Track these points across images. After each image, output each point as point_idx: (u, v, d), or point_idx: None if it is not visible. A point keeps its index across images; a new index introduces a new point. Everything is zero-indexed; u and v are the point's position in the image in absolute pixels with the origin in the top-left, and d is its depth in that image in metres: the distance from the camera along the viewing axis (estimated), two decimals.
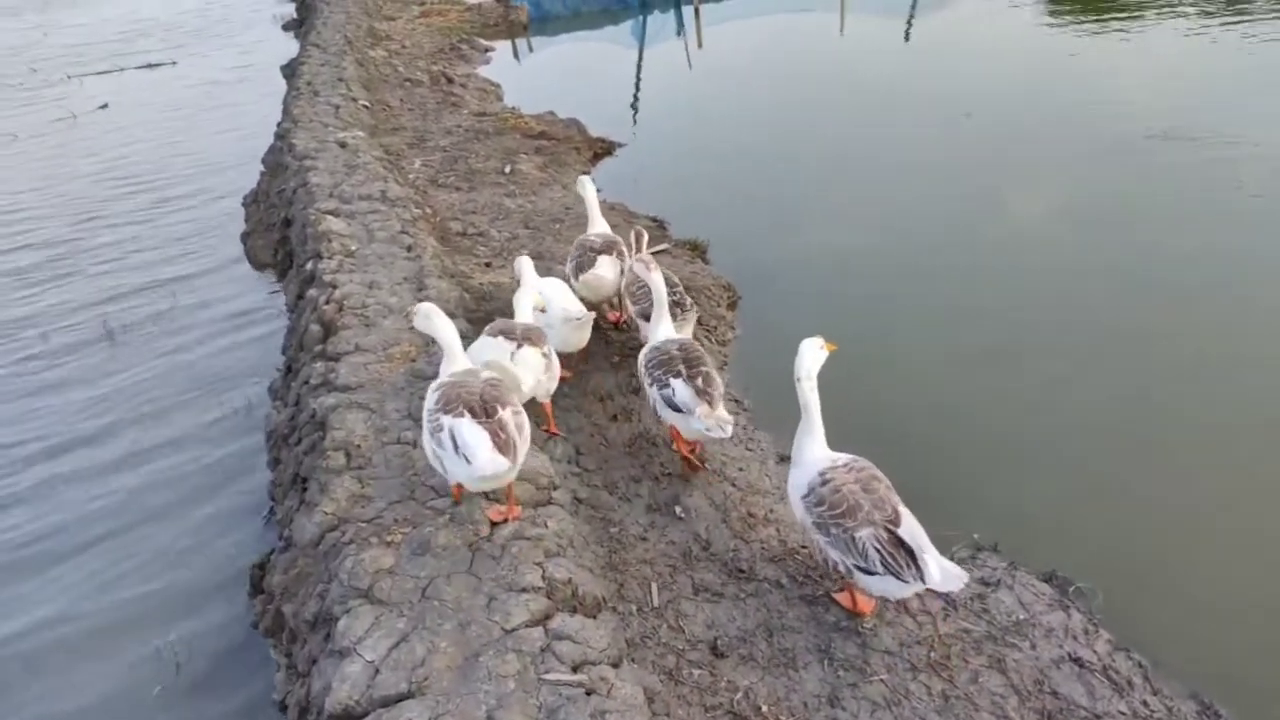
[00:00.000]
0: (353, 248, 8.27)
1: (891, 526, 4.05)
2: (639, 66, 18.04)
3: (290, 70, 17.98)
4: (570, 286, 6.46)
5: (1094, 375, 6.43)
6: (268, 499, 6.82)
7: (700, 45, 20.43)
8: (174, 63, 24.30)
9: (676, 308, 6.44)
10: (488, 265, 8.91)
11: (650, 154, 12.44)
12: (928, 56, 16.29)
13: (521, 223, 9.56)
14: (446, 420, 4.51)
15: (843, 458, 4.32)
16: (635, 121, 14.04)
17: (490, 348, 5.35)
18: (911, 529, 4.07)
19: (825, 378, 4.54)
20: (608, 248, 6.80)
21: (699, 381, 5.36)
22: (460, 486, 4.74)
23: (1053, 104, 11.90)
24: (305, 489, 5.64)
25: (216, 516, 6.74)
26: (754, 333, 7.75)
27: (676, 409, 5.33)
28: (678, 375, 5.38)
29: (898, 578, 3.97)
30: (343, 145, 11.42)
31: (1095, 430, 5.90)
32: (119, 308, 10.19)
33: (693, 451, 5.77)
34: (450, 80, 17.01)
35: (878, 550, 4.00)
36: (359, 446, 5.64)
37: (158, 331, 9.57)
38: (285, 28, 29.86)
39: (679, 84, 17.10)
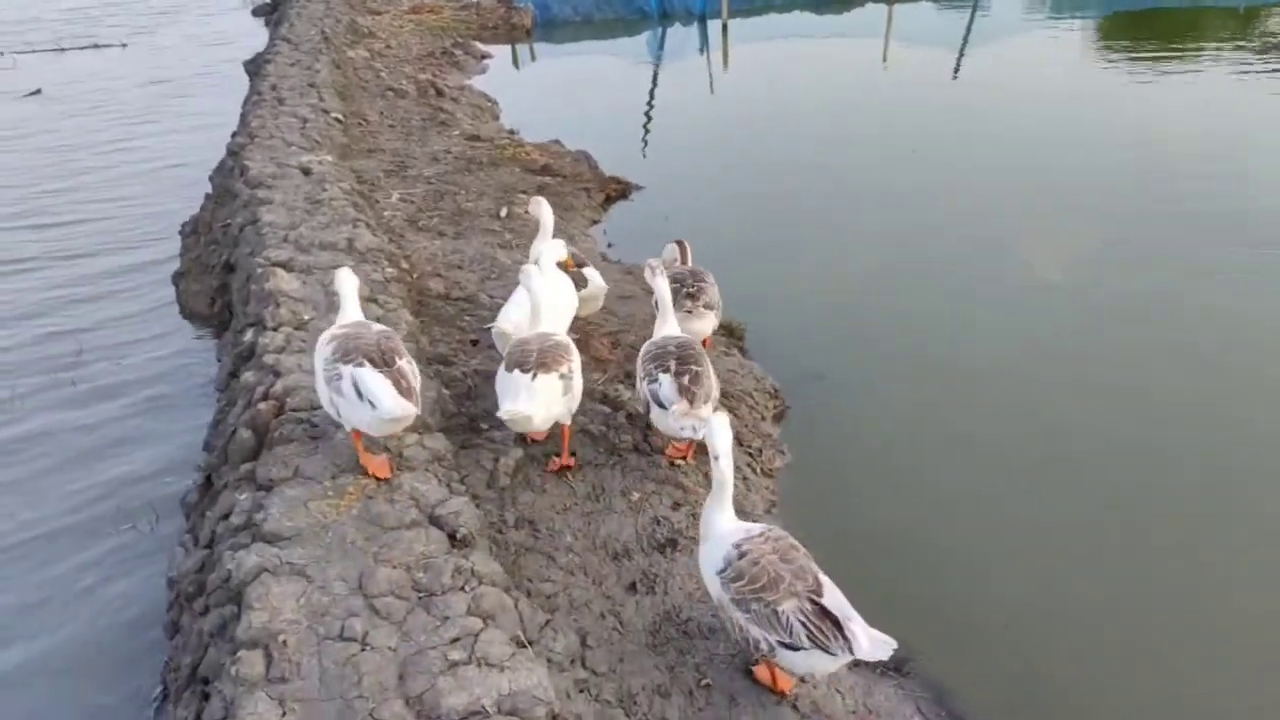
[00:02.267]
0: (306, 317, 7.23)
1: (815, 597, 4.11)
2: (653, 89, 18.03)
3: (254, 67, 17.12)
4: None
5: None
6: (160, 680, 5.50)
7: (726, 66, 19.88)
8: (123, 45, 23.17)
9: (689, 300, 6.92)
10: (474, 344, 7.71)
11: (673, 199, 12.03)
12: (976, 93, 16.12)
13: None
14: (346, 369, 5.06)
15: (756, 528, 4.42)
16: (646, 155, 13.98)
17: (507, 384, 5.62)
18: (835, 597, 4.14)
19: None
20: (583, 263, 7.30)
21: (685, 379, 5.62)
22: (358, 433, 5.24)
23: (1104, 156, 12.06)
24: (206, 699, 4.34)
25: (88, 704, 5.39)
26: (809, 459, 6.97)
27: (661, 405, 5.62)
28: (667, 370, 5.67)
29: (825, 650, 4.03)
30: (306, 172, 10.50)
31: None
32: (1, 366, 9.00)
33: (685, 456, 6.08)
34: (440, 93, 16.27)
35: (803, 624, 4.05)
36: (285, 644, 4.37)
37: (50, 402, 8.29)
38: (256, 13, 28.89)
39: (702, 110, 16.68)
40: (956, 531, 6.09)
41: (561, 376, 5.69)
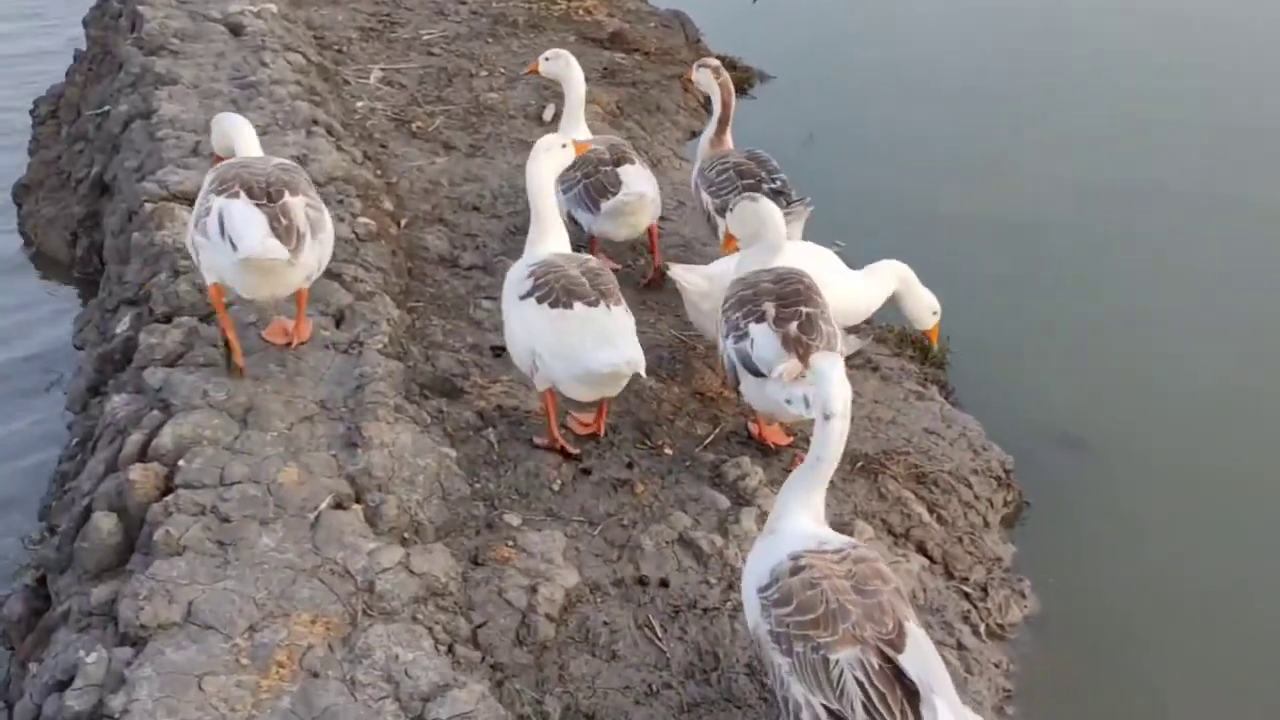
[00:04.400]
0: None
1: (890, 650, 4.19)
2: None
3: None
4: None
5: None
6: None
7: None
8: None
9: (779, 196, 7.19)
10: (497, 353, 7.08)
11: (822, 102, 12.26)
12: None
13: None
14: (217, 201, 5.60)
15: (838, 540, 4.59)
16: (777, 24, 14.01)
17: (567, 329, 5.79)
18: (921, 658, 4.23)
19: None
20: (622, 158, 7.67)
21: (794, 326, 5.75)
22: (219, 289, 5.81)
23: None
24: None
25: None
26: (1070, 608, 6.58)
27: (756, 371, 5.77)
28: (761, 318, 5.84)
29: None
30: (236, 30, 10.05)
31: None
32: None
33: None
34: None
35: (861, 685, 4.12)
36: None
37: None
38: None
39: None
40: None
41: (626, 312, 5.97)
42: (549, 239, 6.21)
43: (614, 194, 7.46)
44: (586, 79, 10.49)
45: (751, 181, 7.48)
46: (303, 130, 8.38)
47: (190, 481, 5.33)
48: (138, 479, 5.35)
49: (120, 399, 6.06)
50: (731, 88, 8.19)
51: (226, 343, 6.00)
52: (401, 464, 5.63)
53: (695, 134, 11.22)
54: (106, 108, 9.46)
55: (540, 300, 5.83)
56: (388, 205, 8.33)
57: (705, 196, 7.76)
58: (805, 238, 9.12)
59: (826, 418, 4.66)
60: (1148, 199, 10.82)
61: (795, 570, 4.43)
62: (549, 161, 6.27)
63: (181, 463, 5.42)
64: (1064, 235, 10.14)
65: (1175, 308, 9.20)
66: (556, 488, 6.03)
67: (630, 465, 6.27)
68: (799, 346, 5.71)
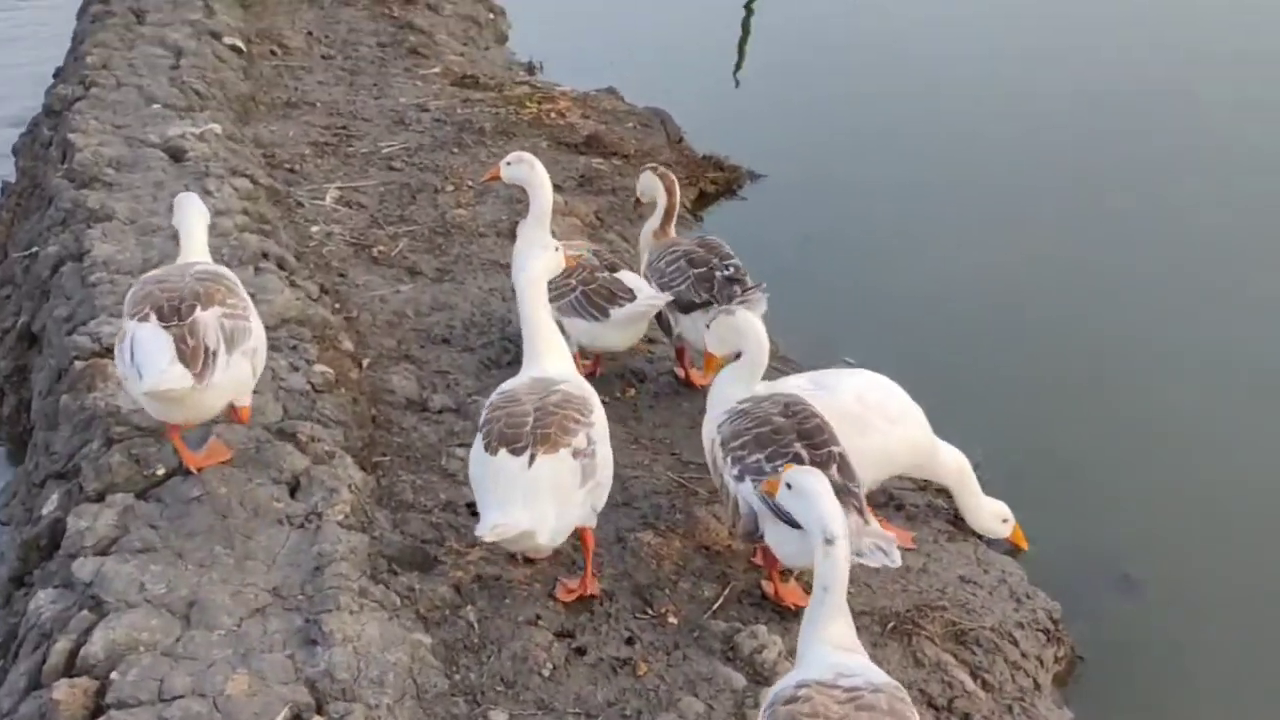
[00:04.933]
0: (161, 472, 6.36)
1: None
2: None
3: None
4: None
5: None
6: None
7: None
8: None
9: (734, 284, 7.48)
10: (474, 512, 6.54)
11: (818, 201, 12.35)
12: None
13: None
14: (129, 327, 5.90)
15: (862, 676, 4.49)
16: (764, 117, 14.47)
17: (484, 476, 5.69)
18: None
19: None
20: (614, 264, 7.88)
21: (834, 471, 5.65)
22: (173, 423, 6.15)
23: None
24: None
25: None
26: None
27: (792, 521, 5.32)
28: (793, 457, 5.71)
29: None
30: (177, 156, 9.95)
31: None
32: None
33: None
34: None
35: None
36: None
37: None
38: None
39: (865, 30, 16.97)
40: None
41: (576, 454, 5.66)
42: (545, 358, 6.12)
43: (625, 300, 7.54)
44: (561, 188, 10.76)
45: (704, 270, 7.59)
46: (250, 267, 8.25)
47: (124, 699, 5.02)
48: (63, 699, 5.03)
49: (46, 595, 5.77)
50: (675, 181, 8.36)
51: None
52: (368, 661, 5.34)
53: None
54: (35, 249, 9.26)
55: (482, 439, 5.75)
56: (347, 345, 8.17)
57: (651, 285, 7.83)
58: (813, 354, 9.00)
59: (829, 543, 4.62)
60: (1192, 291, 10.76)
61: (789, 700, 4.36)
62: (541, 267, 6.26)
63: (115, 675, 5.11)
64: (1100, 339, 10.02)
65: (1244, 417, 9.00)
66: (547, 673, 5.74)
67: (630, 640, 5.99)
68: (850, 498, 5.55)
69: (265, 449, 6.54)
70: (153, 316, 5.83)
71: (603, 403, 6.18)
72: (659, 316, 7.91)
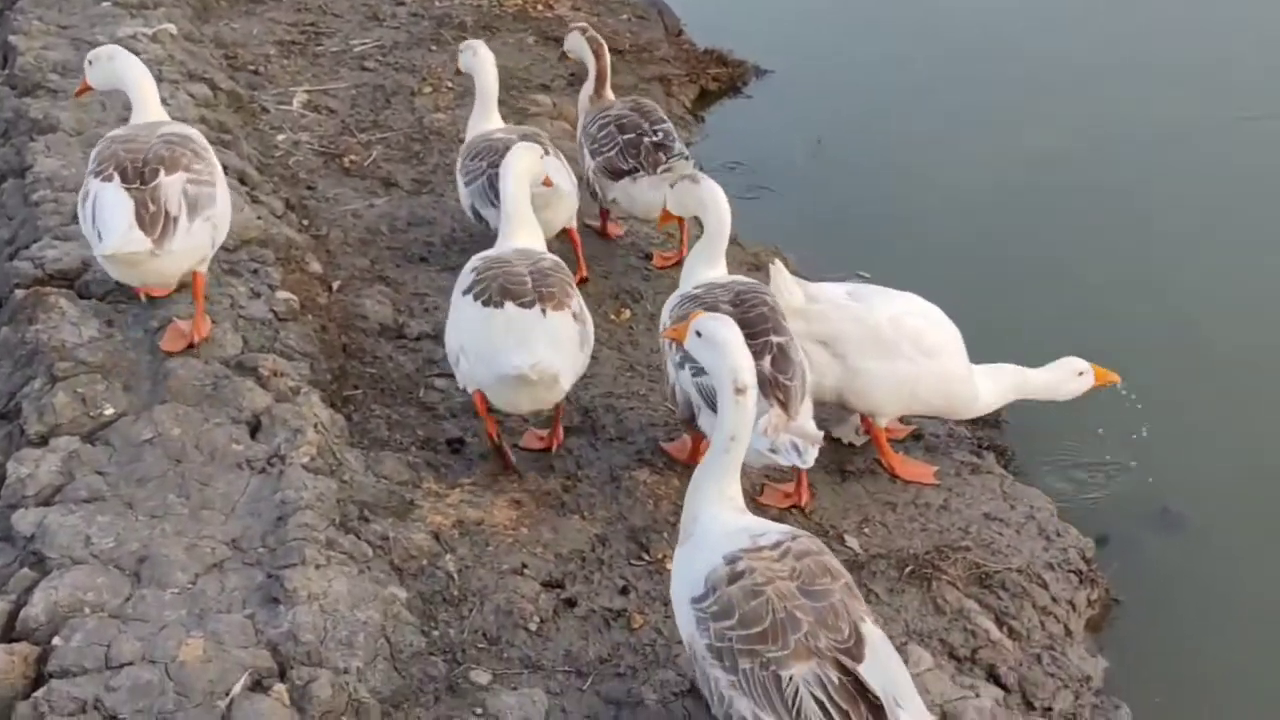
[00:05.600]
0: (109, 412, 6.23)
1: (848, 660, 4.35)
2: None
3: None
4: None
5: None
6: None
7: None
8: None
9: (661, 150, 8.06)
10: (454, 449, 6.85)
11: (832, 96, 12.31)
12: None
13: None
14: (93, 185, 6.24)
15: (773, 531, 4.75)
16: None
17: (492, 328, 6.17)
18: (884, 665, 4.43)
19: None
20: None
21: (767, 363, 5.82)
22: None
23: None
24: None
25: None
26: None
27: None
28: None
29: None
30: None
31: None
32: None
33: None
34: None
35: (821, 704, 4.29)
36: None
37: None
38: None
39: None
40: None
41: (575, 316, 6.30)
42: (519, 235, 6.73)
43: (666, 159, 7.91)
44: (549, 87, 10.88)
45: (633, 135, 8.06)
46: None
47: (67, 667, 4.91)
48: (1, 668, 4.92)
49: None
50: (604, 43, 8.85)
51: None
52: (336, 621, 5.24)
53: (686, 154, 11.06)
54: None
55: (476, 297, 6.25)
56: (315, 266, 8.07)
57: (586, 156, 8.34)
58: (823, 270, 8.87)
59: (739, 392, 4.79)
60: (1234, 214, 10.57)
61: (734, 577, 4.53)
62: (526, 164, 6.89)
63: (57, 640, 5.01)
64: (1137, 247, 9.87)
65: None
66: (534, 627, 5.66)
67: (625, 590, 5.91)
68: (777, 390, 5.81)
69: (223, 385, 6.41)
70: (116, 177, 6.15)
71: (595, 326, 6.57)
72: (588, 182, 8.41)
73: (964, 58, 12.72)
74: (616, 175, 8.06)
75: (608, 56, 8.79)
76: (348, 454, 6.41)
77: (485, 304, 6.18)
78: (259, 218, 7.89)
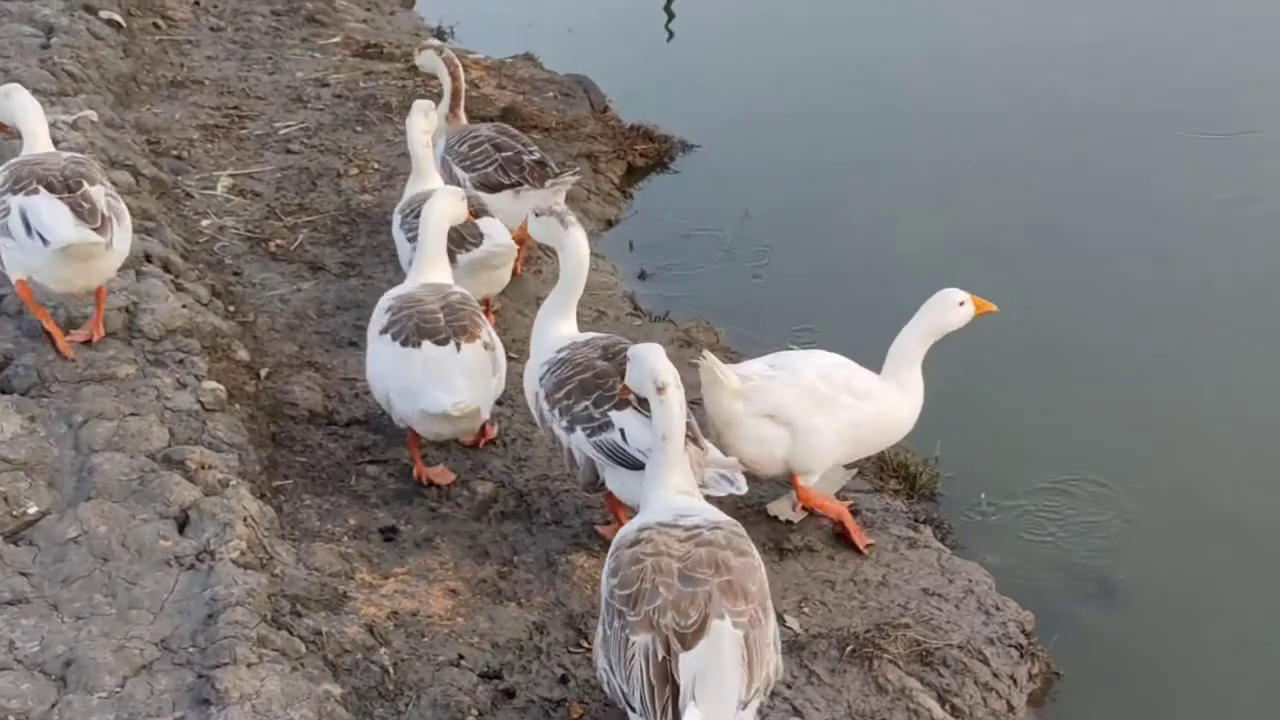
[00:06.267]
0: (31, 510, 6.08)
1: (676, 643, 4.63)
2: None
3: None
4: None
5: None
6: None
7: None
8: None
9: (542, 167, 8.80)
10: (387, 537, 6.73)
11: (757, 170, 12.43)
12: None
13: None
14: (14, 200, 6.67)
15: (699, 516, 5.09)
16: (695, 82, 14.60)
17: (411, 368, 6.59)
18: (711, 657, 4.63)
19: None
20: (480, 209, 8.14)
21: None
22: (25, 284, 6.86)
23: None
24: None
25: None
26: None
27: (632, 463, 5.98)
28: (623, 405, 6.04)
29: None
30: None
31: None
32: None
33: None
34: None
35: (642, 672, 4.64)
36: None
37: None
38: None
39: None
40: None
41: (486, 346, 6.71)
42: (429, 272, 7.07)
43: (474, 245, 7.89)
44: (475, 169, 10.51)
45: (510, 154, 8.67)
46: (131, 272, 7.92)
47: None
48: None
49: None
50: (458, 62, 9.41)
51: (49, 334, 6.98)
52: None
53: (611, 223, 11.28)
54: None
55: (394, 338, 6.60)
56: (242, 354, 7.93)
57: (459, 172, 8.78)
58: (753, 341, 8.87)
59: (660, 391, 5.24)
60: (1164, 273, 10.66)
61: (633, 542, 4.90)
62: (446, 208, 7.20)
63: None
64: (1067, 316, 9.86)
65: (1230, 407, 8.89)
66: (472, 719, 5.48)
67: (564, 679, 5.80)
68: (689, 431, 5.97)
69: (150, 480, 6.24)
70: (42, 189, 6.60)
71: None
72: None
73: (889, 129, 12.90)
74: (495, 189, 8.52)
75: (463, 76, 9.43)
76: (278, 546, 6.24)
77: (403, 344, 6.52)
78: (184, 306, 7.73)
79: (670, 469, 5.25)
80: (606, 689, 4.97)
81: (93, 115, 10.04)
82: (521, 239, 7.17)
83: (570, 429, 6.14)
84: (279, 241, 9.64)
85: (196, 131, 11.22)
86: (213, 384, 7.14)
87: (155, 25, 13.35)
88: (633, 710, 4.70)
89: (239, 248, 9.53)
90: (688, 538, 4.90)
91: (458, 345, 6.51)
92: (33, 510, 6.08)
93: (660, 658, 4.60)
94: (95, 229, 6.56)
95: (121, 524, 5.92)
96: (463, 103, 9.38)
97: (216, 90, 12.15)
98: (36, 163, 6.85)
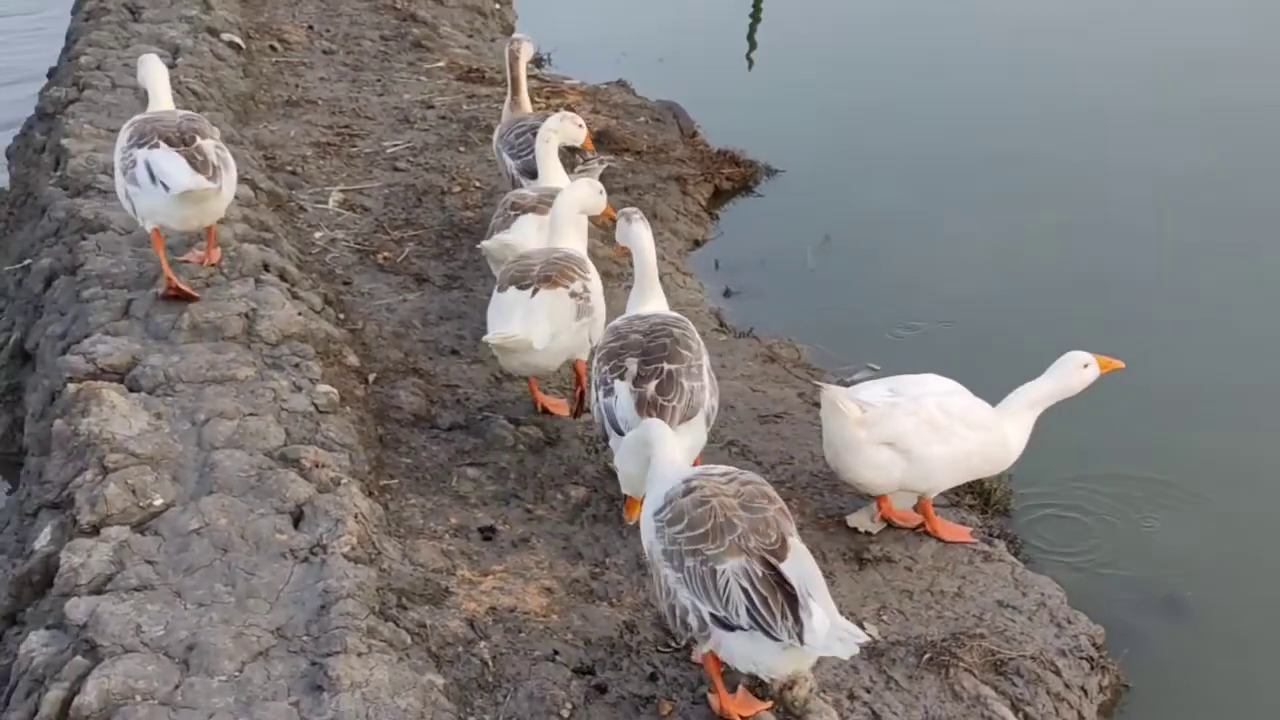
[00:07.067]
0: (159, 502, 6.16)
1: (773, 559, 4.92)
2: None
3: None
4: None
5: None
6: None
7: None
8: None
9: (575, 153, 9.19)
10: (486, 536, 6.75)
11: (842, 195, 12.26)
12: None
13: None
14: (140, 154, 7.35)
15: (719, 468, 5.43)
16: (783, 108, 14.34)
17: (498, 307, 7.19)
18: (801, 566, 5.01)
19: None
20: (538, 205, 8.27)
21: (651, 387, 6.22)
22: (160, 235, 7.60)
23: None
24: None
25: None
26: None
27: (619, 430, 6.27)
28: (624, 374, 6.34)
29: (768, 633, 4.80)
30: None
31: None
32: None
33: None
34: None
35: (746, 591, 4.84)
36: None
37: None
38: None
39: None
40: None
41: (573, 295, 6.99)
42: (563, 242, 7.42)
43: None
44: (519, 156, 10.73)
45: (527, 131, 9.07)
46: (251, 280, 8.05)
47: None
48: None
49: (38, 638, 5.58)
50: (519, 55, 9.84)
51: (170, 280, 7.55)
52: (378, 708, 5.13)
53: (699, 243, 11.26)
54: (28, 261, 9.05)
55: (496, 286, 7.31)
56: (352, 360, 8.02)
57: (507, 159, 9.30)
58: (834, 361, 8.81)
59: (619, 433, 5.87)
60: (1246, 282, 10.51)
61: (687, 491, 5.13)
62: (580, 195, 7.59)
63: None
64: (1148, 340, 9.63)
65: None
66: (566, 713, 5.56)
67: (654, 676, 5.82)
68: (655, 410, 6.11)
69: (267, 476, 6.35)
70: (162, 144, 7.30)
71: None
72: (511, 181, 9.26)
73: (971, 154, 12.74)
74: (535, 175, 8.79)
75: (522, 66, 9.83)
76: (386, 542, 6.35)
77: (497, 290, 7.23)
78: (299, 313, 7.85)
79: (672, 455, 5.45)
80: (684, 624, 5.12)
81: (215, 130, 10.11)
82: (611, 215, 7.57)
83: (597, 389, 6.51)
84: (386, 254, 9.71)
85: (310, 149, 11.34)
86: (326, 387, 7.22)
87: (272, 48, 13.52)
88: (733, 629, 4.92)
89: (349, 259, 9.61)
90: (728, 481, 5.21)
91: (534, 291, 6.93)
92: (158, 502, 6.18)
93: (761, 573, 4.86)
94: (208, 177, 7.24)
95: (240, 517, 6.03)
96: (523, 89, 9.80)
97: (328, 110, 12.29)
98: (156, 120, 7.54)
